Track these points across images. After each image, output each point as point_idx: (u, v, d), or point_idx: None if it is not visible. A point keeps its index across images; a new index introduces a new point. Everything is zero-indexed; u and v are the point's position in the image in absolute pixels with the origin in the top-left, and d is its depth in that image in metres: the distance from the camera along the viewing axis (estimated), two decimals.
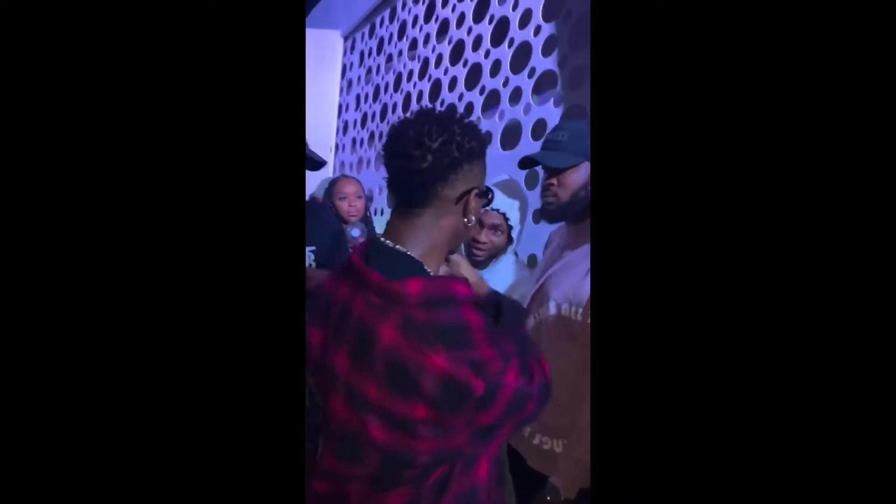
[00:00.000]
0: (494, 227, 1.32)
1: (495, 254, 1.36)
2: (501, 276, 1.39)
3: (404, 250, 0.66)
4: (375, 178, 3.02)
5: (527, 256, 1.78)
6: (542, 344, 1.05)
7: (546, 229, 1.30)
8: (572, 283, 1.02)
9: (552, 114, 1.83)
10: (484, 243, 1.32)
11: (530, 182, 1.79)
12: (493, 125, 2.16)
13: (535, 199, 1.24)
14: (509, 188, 1.37)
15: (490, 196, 0.73)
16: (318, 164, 1.14)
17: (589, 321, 0.97)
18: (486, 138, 0.75)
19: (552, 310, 1.04)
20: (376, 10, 3.32)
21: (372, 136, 3.20)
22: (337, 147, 3.80)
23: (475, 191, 0.68)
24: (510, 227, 1.35)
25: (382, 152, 0.68)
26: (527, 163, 1.12)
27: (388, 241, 0.68)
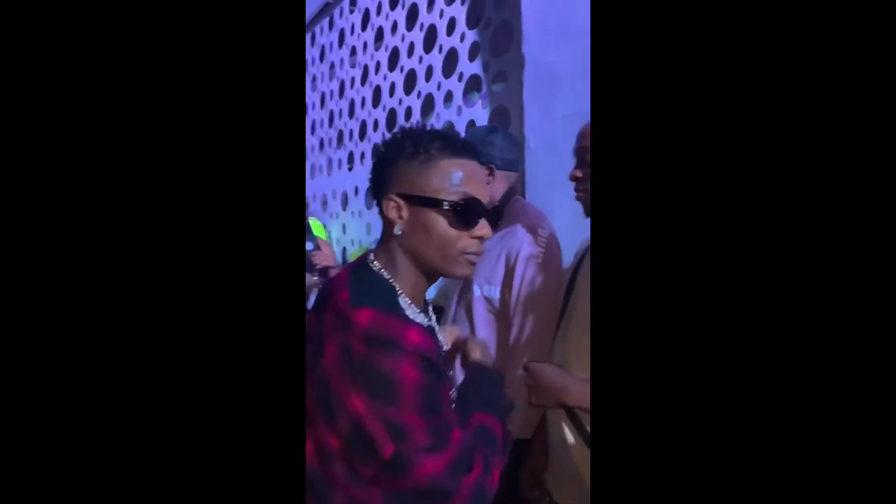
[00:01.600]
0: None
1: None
2: None
3: (387, 277, 0.66)
4: (349, 179, 3.04)
5: None
6: (471, 323, 1.23)
7: None
8: (488, 267, 1.19)
9: (481, 114, 2.00)
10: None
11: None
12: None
13: None
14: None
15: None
16: None
17: (500, 296, 1.15)
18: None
19: (476, 292, 1.23)
20: (315, 20, 3.39)
21: (340, 136, 3.22)
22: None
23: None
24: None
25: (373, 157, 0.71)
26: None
27: (375, 262, 0.67)
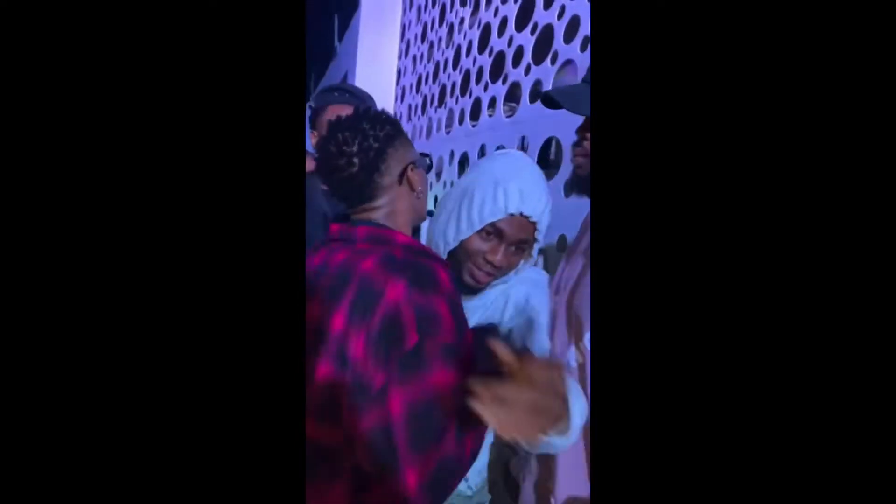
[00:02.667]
0: (522, 244, 0.81)
1: (501, 275, 0.85)
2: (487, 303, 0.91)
3: (380, 223, 0.70)
4: (438, 146, 2.64)
5: (556, 237, 1.33)
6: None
7: (581, 205, 0.85)
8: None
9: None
10: (498, 268, 0.80)
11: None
12: (545, 70, 1.69)
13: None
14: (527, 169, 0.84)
15: (430, 162, 0.77)
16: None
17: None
18: (396, 120, 0.72)
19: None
20: None
21: (425, 101, 2.85)
22: (397, 116, 3.51)
23: (410, 166, 0.71)
24: (536, 241, 0.83)
25: (318, 176, 0.71)
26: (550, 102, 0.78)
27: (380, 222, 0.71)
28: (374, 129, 0.68)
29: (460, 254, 0.80)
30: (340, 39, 5.19)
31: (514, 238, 0.77)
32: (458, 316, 0.63)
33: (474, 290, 0.85)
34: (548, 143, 1.65)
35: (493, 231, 0.77)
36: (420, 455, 0.56)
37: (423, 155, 0.73)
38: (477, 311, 0.86)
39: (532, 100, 1.77)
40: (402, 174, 0.70)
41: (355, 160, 0.67)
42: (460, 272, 0.81)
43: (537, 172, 0.81)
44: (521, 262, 0.83)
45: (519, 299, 0.84)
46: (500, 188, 0.76)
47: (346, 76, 4.40)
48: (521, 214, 0.76)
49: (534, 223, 0.78)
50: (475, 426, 0.60)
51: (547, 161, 2.07)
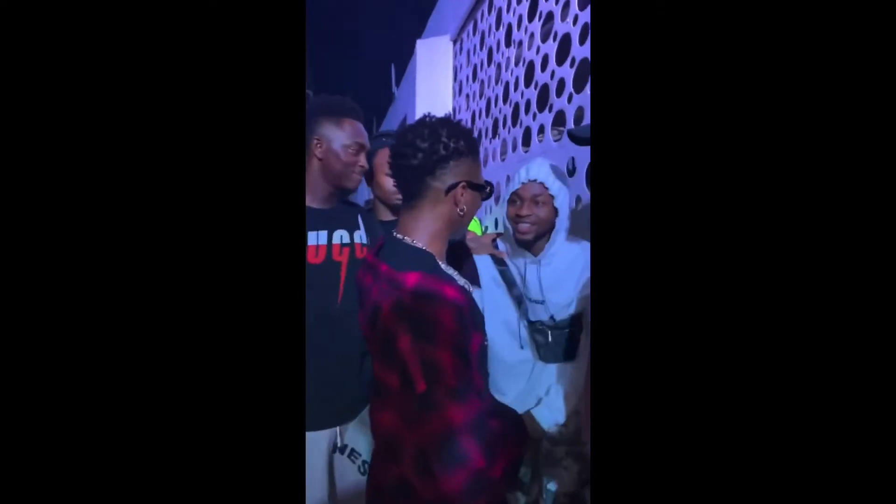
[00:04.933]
0: (535, 199, 1.17)
1: (543, 229, 1.18)
2: (564, 266, 1.20)
3: (412, 242, 0.78)
4: (494, 173, 2.92)
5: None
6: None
7: None
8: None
9: None
10: (528, 215, 1.17)
11: None
12: (586, 98, 1.91)
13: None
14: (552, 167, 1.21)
15: (489, 190, 0.82)
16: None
17: None
18: (475, 139, 0.80)
19: None
20: (477, 5, 3.26)
21: (480, 134, 3.14)
22: None
23: (463, 183, 0.77)
24: (552, 197, 1.16)
25: (388, 157, 0.80)
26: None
27: (398, 235, 0.80)
28: (449, 139, 0.75)
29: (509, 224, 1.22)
30: (398, 85, 5.69)
31: (528, 195, 1.17)
32: (462, 356, 0.68)
33: (528, 245, 1.21)
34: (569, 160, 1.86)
35: (516, 197, 1.19)
36: (449, 473, 0.66)
37: (487, 182, 0.82)
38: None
39: (575, 125, 1.99)
40: (453, 187, 0.76)
41: (419, 155, 0.74)
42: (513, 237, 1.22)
43: (549, 164, 1.20)
44: (550, 214, 1.19)
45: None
46: (520, 170, 1.20)
47: (405, 119, 4.84)
48: (530, 180, 1.18)
49: (541, 182, 1.17)
50: (505, 443, 0.71)
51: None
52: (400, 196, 0.81)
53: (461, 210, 0.78)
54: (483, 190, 0.80)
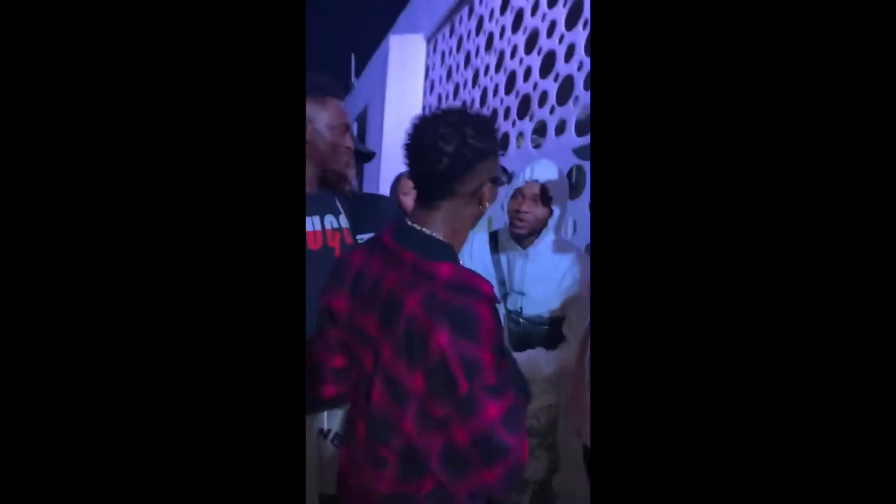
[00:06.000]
0: (535, 198, 1.29)
1: (537, 227, 1.30)
2: (548, 264, 1.32)
3: (430, 233, 0.73)
4: None
5: (584, 246, 1.70)
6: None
7: None
8: None
9: None
10: (526, 213, 1.28)
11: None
12: (567, 111, 2.09)
13: None
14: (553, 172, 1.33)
15: (507, 177, 0.80)
16: (368, 156, 1.18)
17: None
18: (496, 132, 0.76)
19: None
20: (456, 9, 3.37)
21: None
22: None
23: (488, 182, 0.74)
24: (551, 199, 1.29)
25: (403, 149, 0.73)
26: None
27: (415, 225, 0.74)
28: (475, 140, 0.69)
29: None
30: (358, 76, 5.67)
31: (530, 193, 1.27)
32: (500, 352, 0.66)
33: (520, 239, 1.33)
34: (570, 170, 2.04)
35: (518, 194, 1.29)
36: (490, 466, 0.66)
37: (504, 170, 0.77)
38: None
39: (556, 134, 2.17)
40: (479, 188, 0.73)
41: (445, 160, 0.68)
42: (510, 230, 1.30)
43: (555, 167, 1.33)
44: (547, 214, 1.31)
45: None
46: (525, 168, 1.30)
47: (365, 109, 4.85)
48: (533, 180, 1.28)
49: (543, 184, 1.27)
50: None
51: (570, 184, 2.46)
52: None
53: (484, 207, 0.76)
54: (501, 181, 0.78)
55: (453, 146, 0.68)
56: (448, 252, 0.72)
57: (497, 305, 0.68)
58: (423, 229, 0.73)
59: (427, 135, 0.70)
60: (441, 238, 0.72)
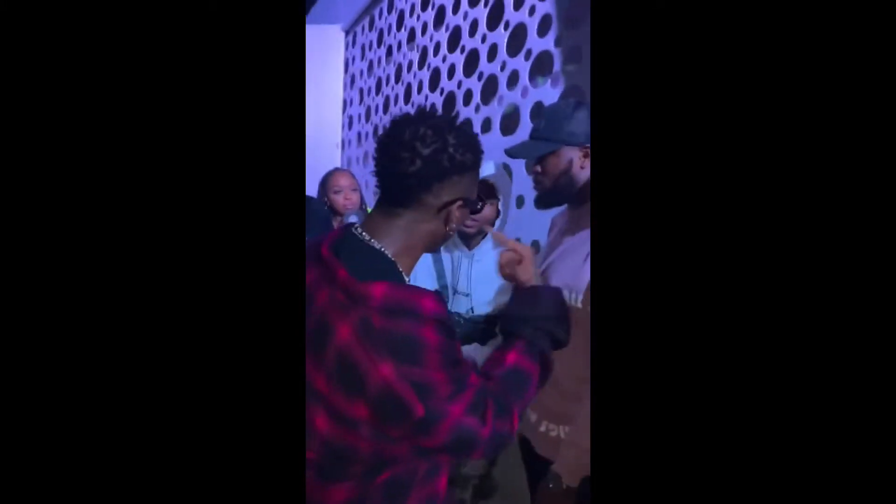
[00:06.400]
0: (482, 198, 1.30)
1: (483, 229, 1.31)
2: (493, 264, 1.37)
3: (378, 247, 0.65)
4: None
5: (530, 242, 1.76)
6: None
7: (547, 214, 1.28)
8: (571, 269, 1.00)
9: (550, 95, 1.79)
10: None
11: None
12: (492, 110, 2.13)
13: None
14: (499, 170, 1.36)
15: (480, 206, 0.74)
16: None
17: (588, 308, 0.95)
18: (481, 149, 0.69)
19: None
20: (375, 2, 3.30)
21: (376, 130, 3.20)
22: (343, 143, 3.82)
23: (459, 202, 0.67)
24: (499, 199, 1.29)
25: (375, 144, 0.67)
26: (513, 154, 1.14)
27: (364, 234, 0.67)
28: (456, 150, 0.63)
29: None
30: None
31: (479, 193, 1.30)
32: (452, 361, 0.62)
33: (467, 239, 1.30)
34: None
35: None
36: (466, 454, 0.65)
37: (479, 197, 0.72)
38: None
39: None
40: (447, 205, 0.66)
41: (418, 162, 0.62)
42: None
43: (500, 164, 1.31)
44: (494, 215, 1.28)
45: None
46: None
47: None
48: (482, 179, 1.26)
49: (493, 184, 1.22)
50: (505, 411, 0.66)
51: None
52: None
53: (451, 229, 0.69)
54: (475, 206, 0.73)
55: (430, 150, 0.62)
56: (390, 272, 0.65)
57: (444, 319, 0.62)
58: (372, 241, 0.66)
59: (405, 133, 0.63)
60: (389, 254, 0.65)
